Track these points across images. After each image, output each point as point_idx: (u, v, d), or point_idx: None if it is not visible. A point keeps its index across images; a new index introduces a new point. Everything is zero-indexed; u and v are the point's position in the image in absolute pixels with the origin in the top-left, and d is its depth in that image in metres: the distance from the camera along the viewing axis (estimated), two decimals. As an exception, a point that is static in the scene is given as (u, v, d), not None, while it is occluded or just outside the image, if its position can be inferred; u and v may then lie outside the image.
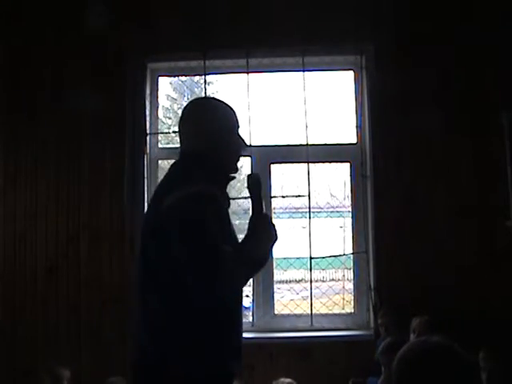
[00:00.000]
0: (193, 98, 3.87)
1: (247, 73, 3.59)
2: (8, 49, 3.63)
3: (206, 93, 3.63)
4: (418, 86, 3.45)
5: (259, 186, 1.85)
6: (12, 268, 3.50)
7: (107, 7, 3.49)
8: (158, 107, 3.72)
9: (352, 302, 3.58)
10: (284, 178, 3.69)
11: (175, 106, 4.11)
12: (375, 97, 3.49)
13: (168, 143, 3.85)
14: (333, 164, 3.71)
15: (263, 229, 1.76)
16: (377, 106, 3.49)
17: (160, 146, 3.72)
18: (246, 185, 1.86)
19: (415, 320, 3.05)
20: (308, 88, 3.59)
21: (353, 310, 3.56)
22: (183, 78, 3.93)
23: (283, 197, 3.65)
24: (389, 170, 3.44)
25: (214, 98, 2.05)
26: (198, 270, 1.59)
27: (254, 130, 3.56)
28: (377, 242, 3.42)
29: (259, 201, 1.82)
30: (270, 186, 3.59)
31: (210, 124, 1.87)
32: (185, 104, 2.02)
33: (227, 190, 1.91)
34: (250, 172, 1.87)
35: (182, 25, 3.56)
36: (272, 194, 3.59)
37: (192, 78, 3.88)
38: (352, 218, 3.58)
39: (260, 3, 3.55)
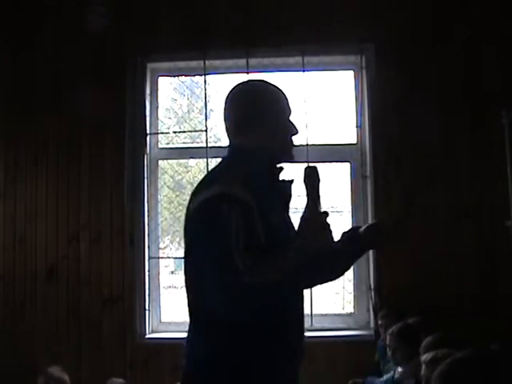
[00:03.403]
0: (194, 96, 3.88)
1: (247, 73, 3.59)
2: (8, 49, 3.64)
3: (206, 93, 3.63)
4: (417, 85, 3.45)
5: (316, 180, 1.61)
6: (12, 268, 3.51)
7: (107, 7, 3.49)
8: (157, 107, 3.72)
9: (352, 302, 3.58)
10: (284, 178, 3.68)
11: (175, 106, 4.10)
12: (375, 97, 3.49)
13: (168, 143, 3.84)
14: (333, 164, 3.71)
15: (313, 231, 1.50)
16: (377, 106, 3.48)
17: (160, 146, 3.71)
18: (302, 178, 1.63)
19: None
20: (308, 88, 3.59)
21: (353, 310, 3.56)
22: (183, 78, 3.93)
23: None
24: (389, 170, 3.44)
25: (261, 80, 1.79)
26: (210, 283, 1.45)
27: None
28: (377, 241, 3.41)
29: (315, 198, 1.57)
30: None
31: (258, 110, 1.65)
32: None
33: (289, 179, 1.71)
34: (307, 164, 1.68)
35: (182, 25, 3.56)
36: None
37: (192, 77, 3.87)
38: (352, 218, 3.58)
39: (260, 3, 3.55)
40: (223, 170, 1.63)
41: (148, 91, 3.64)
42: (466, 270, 3.34)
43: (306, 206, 1.58)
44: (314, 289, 3.49)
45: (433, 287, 3.32)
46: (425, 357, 2.27)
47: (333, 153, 3.64)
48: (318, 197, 1.59)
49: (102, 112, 3.51)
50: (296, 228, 1.60)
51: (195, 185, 1.68)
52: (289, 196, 1.71)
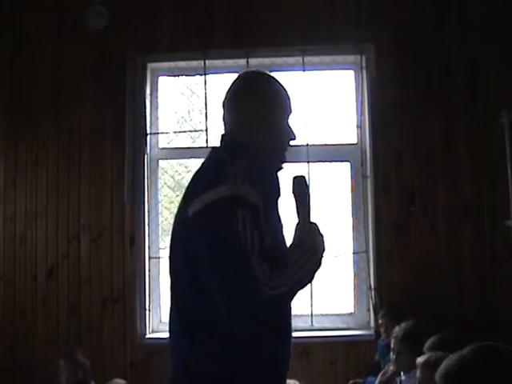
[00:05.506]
0: (194, 96, 3.87)
1: (247, 73, 3.59)
2: (8, 49, 3.64)
3: (206, 93, 3.63)
4: (417, 85, 3.45)
5: (306, 190, 1.57)
6: (12, 268, 3.51)
7: (107, 7, 3.49)
8: (157, 107, 3.72)
9: (352, 302, 3.58)
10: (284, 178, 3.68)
11: (175, 106, 4.10)
12: (375, 97, 3.49)
13: (168, 143, 3.84)
14: (333, 164, 3.71)
15: (312, 242, 1.50)
16: (377, 106, 3.49)
17: (160, 146, 3.72)
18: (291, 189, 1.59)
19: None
20: (308, 88, 3.59)
21: (353, 310, 3.56)
22: (183, 78, 3.92)
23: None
24: (389, 170, 3.45)
25: (269, 75, 1.64)
26: (228, 295, 1.37)
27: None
28: (377, 241, 3.42)
29: (306, 207, 1.55)
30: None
31: (271, 104, 1.57)
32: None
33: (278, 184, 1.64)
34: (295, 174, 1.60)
35: (182, 25, 3.56)
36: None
37: (192, 77, 3.87)
38: (352, 217, 3.58)
39: (260, 3, 3.55)
40: (227, 169, 1.46)
41: (148, 91, 3.64)
42: (466, 270, 3.35)
43: (299, 218, 1.56)
44: (313, 289, 3.52)
45: (433, 287, 3.32)
46: (419, 359, 2.25)
47: (333, 153, 3.64)
48: (309, 207, 1.56)
49: (101, 112, 3.52)
50: (289, 233, 1.57)
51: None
52: (280, 194, 1.64)
